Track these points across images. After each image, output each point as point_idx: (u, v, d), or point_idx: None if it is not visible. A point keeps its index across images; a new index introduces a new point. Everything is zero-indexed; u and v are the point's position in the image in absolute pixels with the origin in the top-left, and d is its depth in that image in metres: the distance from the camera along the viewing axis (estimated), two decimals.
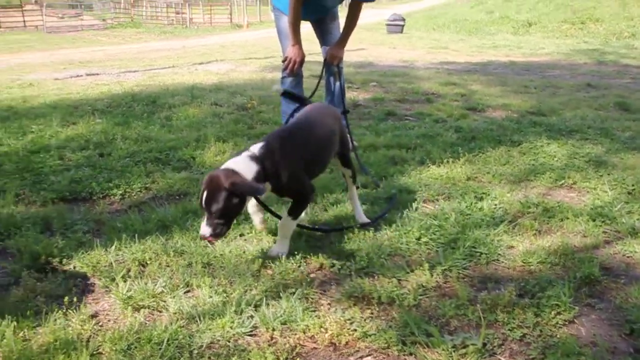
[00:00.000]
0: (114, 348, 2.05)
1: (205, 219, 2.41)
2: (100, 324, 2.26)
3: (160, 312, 2.32)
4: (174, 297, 2.38)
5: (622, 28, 21.29)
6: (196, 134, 5.09)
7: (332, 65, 4.65)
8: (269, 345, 2.09)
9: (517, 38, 21.03)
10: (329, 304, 2.38)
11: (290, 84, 4.70)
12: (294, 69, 4.55)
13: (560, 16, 23.83)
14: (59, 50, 18.42)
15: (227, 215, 2.42)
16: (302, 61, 4.57)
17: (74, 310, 2.31)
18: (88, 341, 2.11)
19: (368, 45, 16.44)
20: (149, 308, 2.33)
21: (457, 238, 2.93)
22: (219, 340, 2.11)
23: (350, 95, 6.97)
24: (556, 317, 2.27)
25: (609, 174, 4.03)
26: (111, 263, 2.71)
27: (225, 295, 2.38)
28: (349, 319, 2.23)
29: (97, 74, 10.21)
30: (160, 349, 2.03)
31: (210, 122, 5.60)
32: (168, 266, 2.63)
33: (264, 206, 2.82)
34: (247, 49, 16.67)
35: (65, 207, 3.47)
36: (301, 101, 3.55)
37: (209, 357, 2.01)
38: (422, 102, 7.01)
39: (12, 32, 29.07)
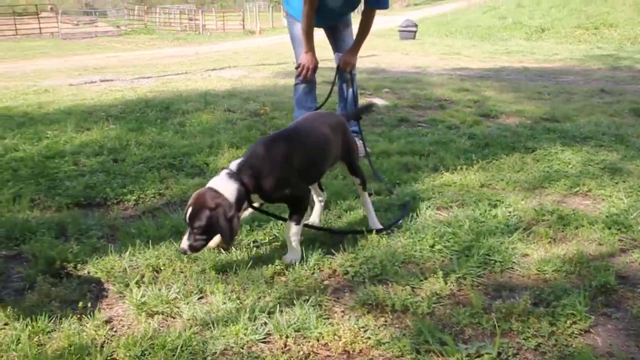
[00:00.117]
0: (128, 354, 2.05)
1: (187, 233, 2.54)
2: (114, 329, 2.27)
3: (174, 318, 2.32)
4: (187, 303, 2.39)
5: (637, 33, 21.12)
6: (209, 140, 5.10)
7: (345, 72, 4.65)
8: (283, 353, 2.08)
9: (530, 44, 20.94)
10: (342, 311, 2.37)
11: (303, 90, 4.71)
12: (307, 75, 4.56)
13: (573, 22, 23.70)
14: (74, 57, 18.59)
15: (208, 232, 2.54)
16: (315, 68, 4.59)
17: (88, 316, 2.32)
18: (102, 347, 2.12)
19: (380, 52, 16.45)
20: (162, 314, 2.34)
21: (471, 246, 2.91)
22: (232, 347, 2.11)
23: (362, 101, 6.96)
24: (572, 326, 2.24)
25: (624, 181, 3.99)
26: (125, 269, 2.72)
27: (238, 301, 2.39)
28: (362, 327, 2.22)
29: (111, 80, 10.29)
30: (174, 355, 2.03)
31: (224, 128, 5.62)
32: (182, 272, 2.64)
33: (264, 212, 2.86)
34: (259, 55, 16.73)
35: (79, 213, 3.49)
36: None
37: None
38: (435, 109, 6.99)
39: (28, 39, 29.40)
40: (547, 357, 2.07)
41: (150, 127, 5.65)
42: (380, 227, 3.14)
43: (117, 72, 12.07)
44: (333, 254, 2.86)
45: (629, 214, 3.36)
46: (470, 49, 18.38)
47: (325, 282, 2.62)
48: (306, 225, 2.97)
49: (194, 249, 2.55)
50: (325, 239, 3.01)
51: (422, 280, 2.59)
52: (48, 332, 2.22)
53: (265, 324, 2.23)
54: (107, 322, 2.31)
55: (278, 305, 2.35)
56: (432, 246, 2.91)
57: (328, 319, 2.30)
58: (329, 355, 2.09)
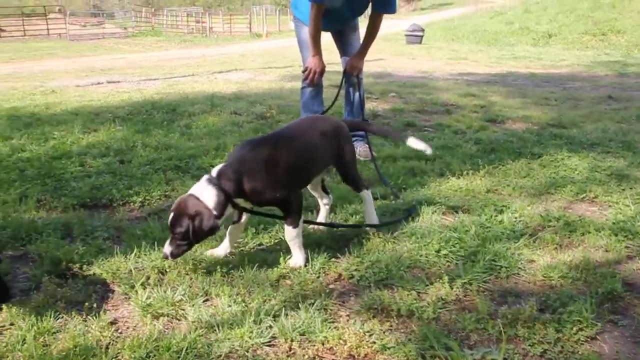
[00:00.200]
0: (133, 355, 2.05)
1: (169, 239, 2.58)
2: (119, 331, 2.27)
3: (179, 320, 2.32)
4: (193, 305, 2.39)
5: None
6: (216, 142, 5.11)
7: (351, 76, 4.66)
8: (288, 356, 2.08)
9: (537, 49, 20.92)
10: (347, 315, 2.37)
11: (310, 94, 4.72)
12: (314, 79, 4.57)
13: (581, 27, 23.65)
14: (81, 58, 18.67)
15: (188, 239, 2.56)
16: (322, 71, 4.59)
17: (94, 317, 2.33)
18: (107, 348, 2.12)
19: (387, 56, 16.46)
20: (168, 316, 2.34)
21: (477, 251, 2.90)
22: (237, 350, 2.11)
23: (369, 105, 6.98)
24: (578, 333, 2.23)
25: (631, 188, 3.97)
26: (131, 270, 2.72)
27: (244, 304, 2.38)
28: (368, 331, 2.21)
29: (118, 82, 10.32)
30: (179, 357, 2.03)
31: (230, 131, 5.63)
32: (187, 274, 2.64)
33: (256, 213, 2.87)
34: (266, 58, 16.75)
35: (85, 214, 3.50)
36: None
37: None
38: (442, 113, 6.98)
39: (36, 40, 29.55)
40: None
41: (157, 129, 5.67)
42: (375, 221, 3.19)
43: (124, 73, 12.10)
44: (338, 258, 2.86)
45: (635, 221, 3.35)
46: (477, 54, 18.38)
47: (331, 286, 2.61)
48: (306, 222, 2.97)
49: (175, 255, 2.59)
50: (331, 243, 3.01)
51: (427, 285, 2.59)
52: (53, 332, 2.22)
53: (271, 327, 2.23)
54: (113, 323, 2.31)
55: (283, 308, 2.34)
56: (438, 251, 2.91)
57: (333, 323, 2.29)
58: (334, 359, 2.09)
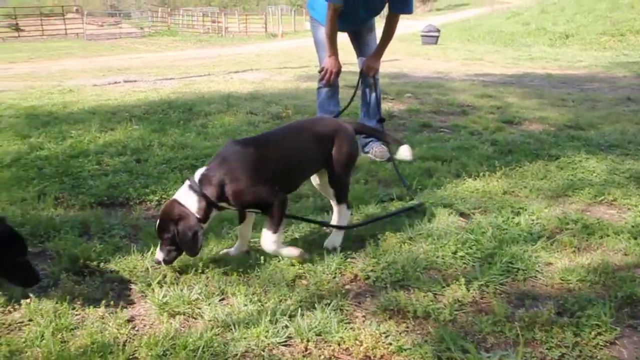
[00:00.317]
0: (150, 353, 2.06)
1: (159, 245, 2.61)
2: (136, 328, 2.28)
3: (196, 319, 2.33)
4: (209, 304, 2.40)
5: None
6: None
7: (368, 77, 4.65)
8: (304, 357, 2.08)
9: (554, 50, 20.76)
10: (363, 316, 2.37)
11: (326, 94, 4.72)
12: (330, 79, 4.57)
13: (599, 28, 23.41)
14: (98, 58, 18.82)
15: (175, 244, 2.58)
16: (338, 72, 4.59)
17: (111, 314, 2.34)
18: (124, 345, 2.14)
19: (403, 56, 16.43)
20: (184, 314, 2.35)
21: (493, 253, 2.88)
22: (253, 349, 2.11)
23: (385, 106, 6.94)
24: (596, 337, 2.21)
25: None
26: (147, 268, 2.74)
27: (260, 304, 2.39)
28: (384, 333, 2.21)
29: (135, 81, 10.39)
30: (195, 356, 2.04)
31: (246, 131, 5.64)
32: (203, 273, 2.64)
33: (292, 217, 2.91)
34: (281, 58, 16.78)
35: (102, 212, 3.53)
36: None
37: None
38: (458, 114, 6.95)
39: (53, 40, 29.84)
40: None
41: (173, 128, 5.69)
42: (334, 247, 2.94)
43: (140, 73, 12.18)
44: (354, 259, 2.86)
45: None
46: (493, 55, 18.28)
47: (347, 287, 2.61)
48: (287, 216, 2.89)
49: (167, 261, 2.62)
50: (347, 243, 3.01)
51: (444, 287, 2.57)
52: (71, 329, 2.24)
53: (287, 327, 2.23)
54: (129, 321, 2.33)
55: (299, 308, 2.34)
56: (455, 253, 2.89)
57: (349, 323, 2.29)
58: None
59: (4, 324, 2.29)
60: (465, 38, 26.77)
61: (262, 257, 2.78)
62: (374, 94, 4.71)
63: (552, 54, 18.85)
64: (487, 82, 10.42)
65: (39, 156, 4.67)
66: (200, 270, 2.67)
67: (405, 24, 26.72)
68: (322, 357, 2.07)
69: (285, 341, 2.17)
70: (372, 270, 2.71)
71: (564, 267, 2.79)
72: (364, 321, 2.32)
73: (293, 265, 2.74)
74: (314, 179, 3.10)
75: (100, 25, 35.89)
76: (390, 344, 2.15)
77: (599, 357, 2.10)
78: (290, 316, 2.30)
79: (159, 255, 2.61)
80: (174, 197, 2.64)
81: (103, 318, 2.32)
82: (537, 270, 2.77)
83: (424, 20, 29.97)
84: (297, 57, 16.56)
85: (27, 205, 3.53)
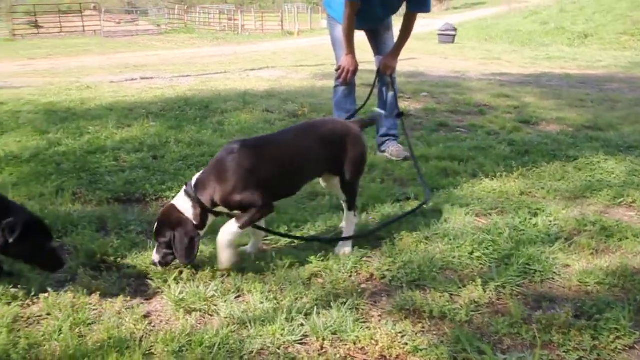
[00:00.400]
0: (166, 349, 2.07)
1: (156, 247, 2.61)
2: (152, 324, 2.30)
3: (212, 315, 2.34)
4: (225, 301, 2.40)
5: None
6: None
7: (385, 75, 4.63)
8: (319, 355, 2.08)
9: (573, 50, 20.56)
10: (379, 315, 2.36)
11: (342, 92, 4.71)
12: (347, 77, 4.56)
13: (619, 27, 23.15)
14: (115, 54, 18.94)
15: (171, 248, 2.57)
16: (355, 70, 4.58)
17: (128, 310, 2.36)
18: (141, 341, 2.15)
19: (419, 55, 16.35)
20: (200, 311, 2.36)
21: (510, 254, 2.86)
22: (269, 347, 2.12)
23: (401, 105, 6.86)
24: (615, 341, 2.18)
25: None
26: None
27: (276, 302, 2.39)
28: (400, 332, 2.20)
29: (151, 78, 10.45)
30: (211, 352, 2.04)
31: (262, 128, 5.65)
32: (220, 270, 2.65)
33: (261, 229, 2.84)
34: (297, 56, 16.79)
35: (119, 208, 3.55)
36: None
37: None
38: (475, 114, 6.90)
39: (71, 37, 30.08)
40: None
41: (190, 125, 5.72)
42: (346, 252, 2.89)
43: (157, 70, 12.25)
44: (370, 258, 2.85)
45: None
46: (510, 54, 18.15)
47: (363, 286, 2.61)
48: (264, 230, 2.88)
49: (163, 263, 2.61)
50: (363, 243, 3.00)
51: (460, 288, 2.56)
52: (89, 324, 2.26)
53: (302, 325, 2.23)
54: (146, 316, 2.34)
55: (315, 307, 2.34)
56: (471, 253, 2.88)
57: (365, 322, 2.29)
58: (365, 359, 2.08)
59: (22, 317, 2.31)
60: (482, 37, 26.60)
61: (277, 256, 2.78)
62: (391, 93, 4.70)
63: (571, 53, 18.67)
64: (505, 82, 10.34)
65: (57, 152, 4.71)
66: (216, 267, 2.68)
67: (422, 23, 26.60)
68: (338, 356, 2.07)
69: (301, 339, 2.17)
70: (388, 270, 2.71)
71: (582, 269, 2.77)
72: (379, 320, 2.32)
73: (310, 263, 2.74)
74: (321, 181, 3.05)
75: (117, 22, 36.12)
76: (406, 344, 2.14)
77: None
78: (306, 314, 2.30)
79: (155, 257, 2.61)
80: (172, 201, 2.64)
81: (120, 313, 2.33)
82: (554, 272, 2.75)
83: (441, 19, 29.80)
84: (313, 55, 16.56)
85: (46, 201, 3.56)
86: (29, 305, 2.41)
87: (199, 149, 4.79)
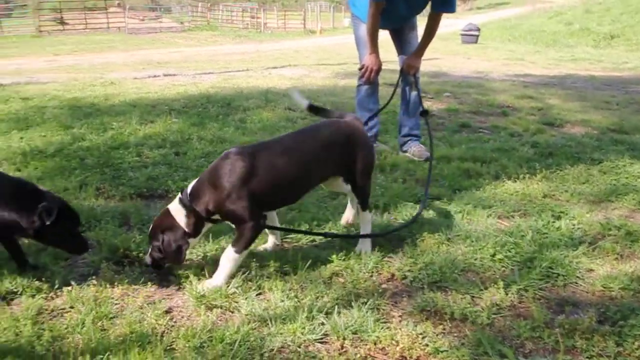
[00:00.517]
0: (187, 345, 2.09)
1: (150, 249, 2.61)
2: (173, 320, 2.31)
3: (233, 312, 2.35)
4: (246, 298, 2.41)
5: None
6: (270, 137, 5.14)
7: (408, 75, 4.61)
8: (340, 354, 2.08)
9: (598, 51, 20.30)
10: (400, 316, 2.35)
11: (365, 91, 4.71)
12: (370, 77, 4.55)
13: None
14: (139, 51, 19.10)
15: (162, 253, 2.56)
16: (378, 70, 4.57)
17: (149, 305, 2.38)
18: (162, 336, 2.17)
19: (442, 55, 16.26)
20: (221, 308, 2.37)
21: (533, 257, 2.83)
22: (289, 345, 2.12)
23: (423, 105, 6.88)
24: None
25: None
26: (185, 261, 2.77)
27: (296, 300, 2.39)
28: (420, 333, 2.19)
29: (174, 75, 10.51)
30: (232, 349, 2.05)
31: (284, 126, 5.65)
32: (241, 267, 2.65)
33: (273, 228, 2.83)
34: (319, 54, 16.79)
35: (142, 203, 3.58)
36: (326, 114, 3.27)
37: None
38: (497, 115, 6.84)
39: (96, 33, 30.37)
40: None
41: (212, 122, 5.75)
42: (365, 252, 2.87)
43: (179, 67, 12.32)
44: (391, 258, 2.84)
45: None
46: (534, 55, 17.96)
47: (384, 286, 2.60)
48: (271, 228, 2.83)
49: (155, 265, 2.61)
50: (384, 243, 2.99)
51: (482, 290, 2.54)
52: (111, 318, 2.29)
53: (323, 324, 2.23)
54: (167, 312, 2.36)
55: (336, 306, 2.34)
56: (493, 255, 2.85)
57: (386, 323, 2.28)
58: None
59: (46, 310, 2.35)
60: (505, 37, 26.37)
61: (298, 254, 2.78)
62: (414, 93, 4.68)
63: (596, 55, 18.43)
64: (528, 83, 10.24)
65: (81, 147, 4.77)
66: (239, 265, 2.68)
67: (445, 23, 26.42)
68: (358, 355, 2.07)
69: (322, 338, 2.17)
70: (409, 270, 2.70)
71: (606, 274, 2.73)
72: (400, 321, 2.31)
73: (331, 262, 2.74)
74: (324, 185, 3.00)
75: (141, 19, 36.46)
76: (427, 345, 2.13)
77: None
78: (326, 313, 2.30)
79: (148, 259, 2.61)
80: (169, 206, 2.61)
81: (142, 308, 2.36)
82: (577, 277, 2.72)
83: (464, 19, 29.60)
84: (335, 54, 16.55)
85: (70, 195, 3.60)
86: (52, 298, 2.44)
87: (221, 146, 4.81)
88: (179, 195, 2.59)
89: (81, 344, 2.10)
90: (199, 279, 2.55)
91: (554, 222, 3.32)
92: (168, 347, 2.09)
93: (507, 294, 2.50)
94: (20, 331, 2.16)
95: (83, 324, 2.21)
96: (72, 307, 2.35)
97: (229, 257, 2.53)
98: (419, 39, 4.63)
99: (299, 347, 2.11)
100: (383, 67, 4.65)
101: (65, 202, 2.59)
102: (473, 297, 2.49)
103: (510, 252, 2.89)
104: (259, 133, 5.34)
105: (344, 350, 2.11)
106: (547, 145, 5.19)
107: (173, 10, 44.83)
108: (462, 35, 23.30)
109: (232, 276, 2.55)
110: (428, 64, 12.54)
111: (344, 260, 2.77)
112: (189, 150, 4.70)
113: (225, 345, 2.07)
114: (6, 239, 2.60)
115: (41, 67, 12.66)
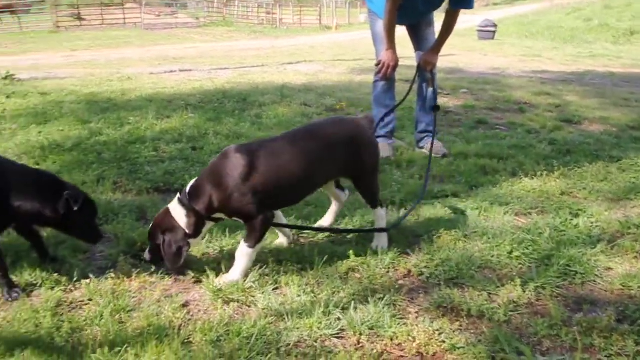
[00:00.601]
0: (205, 338, 2.10)
1: (149, 247, 2.61)
2: (190, 313, 2.33)
3: (249, 307, 2.36)
4: (263, 293, 2.42)
5: None
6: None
7: (425, 71, 4.59)
8: (356, 350, 2.08)
9: (617, 48, 20.05)
10: (416, 312, 2.35)
11: (382, 88, 4.69)
12: (387, 73, 4.53)
13: None
14: (155, 47, 19.20)
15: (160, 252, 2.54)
16: (395, 66, 4.55)
17: (167, 298, 2.40)
18: (179, 329, 2.18)
19: (458, 51, 16.15)
20: (238, 302, 2.38)
21: (551, 255, 2.81)
22: (306, 340, 2.12)
23: (440, 101, 6.78)
24: None
25: None
26: (202, 255, 2.79)
27: (313, 295, 2.40)
28: (437, 330, 2.18)
29: (190, 70, 10.55)
30: (248, 343, 2.06)
31: (300, 122, 5.64)
32: (258, 262, 2.66)
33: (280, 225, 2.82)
34: (335, 50, 16.76)
35: (159, 198, 3.60)
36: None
37: (296, 356, 2.03)
38: (514, 112, 6.79)
39: (112, 29, 30.55)
40: None
41: (228, 118, 5.76)
42: (384, 246, 2.87)
43: (195, 62, 12.36)
44: (408, 254, 2.83)
45: None
46: (551, 52, 17.80)
47: (400, 282, 2.59)
48: (279, 225, 2.83)
49: (154, 262, 2.60)
50: (400, 239, 2.99)
51: (498, 287, 2.53)
52: (129, 310, 2.31)
53: (339, 319, 2.23)
54: (184, 305, 2.37)
55: (352, 301, 2.34)
56: (510, 252, 2.84)
57: (402, 319, 2.28)
58: (402, 356, 2.07)
59: (65, 302, 2.37)
60: (523, 34, 26.13)
61: (315, 250, 2.78)
62: (430, 89, 4.65)
63: (615, 51, 18.22)
64: (546, 80, 10.15)
65: (98, 141, 4.80)
66: (254, 259, 2.69)
67: (462, 19, 26.15)
68: (375, 351, 2.07)
69: (338, 333, 2.17)
70: (425, 267, 2.69)
71: (625, 272, 2.70)
72: (416, 317, 2.30)
73: (347, 257, 2.74)
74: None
75: (157, 15, 36.57)
76: (444, 341, 2.12)
77: None
78: (343, 309, 2.30)
79: (147, 256, 2.60)
80: (169, 205, 2.58)
81: (159, 301, 2.37)
82: (596, 275, 2.69)
83: (481, 15, 29.36)
84: (351, 50, 16.51)
85: (87, 189, 3.62)
86: (71, 291, 2.47)
87: (237, 141, 4.80)
88: (178, 195, 2.55)
89: (100, 336, 2.12)
90: (216, 274, 2.56)
91: (571, 219, 3.29)
92: (185, 341, 2.10)
93: (524, 292, 2.48)
94: (40, 323, 2.19)
95: (101, 317, 2.23)
96: (90, 300, 2.38)
97: (243, 252, 2.53)
98: (436, 35, 4.60)
99: (316, 341, 2.11)
100: (400, 63, 4.62)
101: (87, 196, 2.64)
102: (490, 294, 2.48)
103: (527, 249, 2.86)
104: (274, 128, 5.35)
105: (360, 345, 2.11)
106: (564, 142, 5.14)
107: (189, 6, 44.99)
108: (479, 31, 23.12)
109: (249, 271, 2.56)
110: (444, 60, 12.44)
111: (360, 256, 2.76)
112: (205, 145, 4.72)
113: (242, 339, 2.08)
114: (28, 229, 2.66)
115: (59, 63, 12.77)
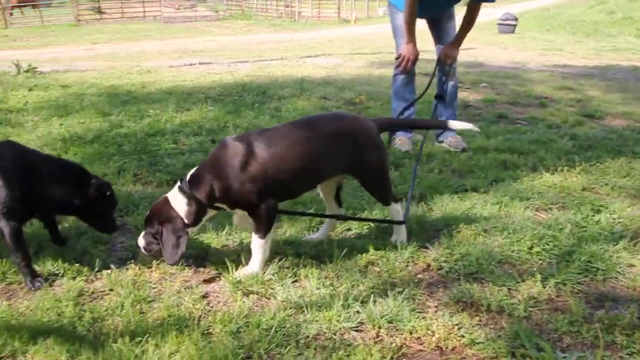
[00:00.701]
0: (224, 330, 2.12)
1: (144, 232, 2.58)
2: (210, 304, 2.35)
3: (269, 299, 2.37)
4: (282, 285, 2.43)
5: None
6: None
7: (445, 65, 4.56)
8: (375, 343, 2.08)
9: None
10: (436, 306, 2.34)
11: (402, 81, 4.67)
12: (407, 66, 4.51)
13: None
14: (174, 40, 19.26)
15: (158, 239, 2.53)
16: (415, 59, 4.53)
17: (186, 289, 2.42)
18: (199, 320, 2.20)
19: (478, 45, 15.99)
20: (257, 294, 2.39)
21: (572, 251, 2.78)
22: (325, 333, 2.13)
23: (460, 95, 6.75)
24: None
25: None
26: (222, 247, 2.80)
27: (332, 288, 2.40)
28: (456, 324, 2.18)
29: (209, 63, 10.57)
30: (268, 335, 2.07)
31: None
32: (277, 254, 2.67)
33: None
34: (354, 44, 16.67)
35: None
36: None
37: (315, 348, 2.03)
38: (535, 106, 6.72)
39: (132, 22, 30.71)
40: None
41: (247, 111, 5.77)
42: (403, 240, 2.86)
43: (214, 55, 12.38)
44: (427, 248, 2.83)
45: None
46: (573, 45, 17.55)
47: (419, 276, 2.59)
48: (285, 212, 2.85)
49: (148, 250, 2.57)
50: (420, 233, 2.98)
51: (518, 282, 2.51)
52: (149, 301, 2.33)
53: (358, 312, 2.24)
54: (204, 297, 2.39)
55: (371, 295, 2.34)
56: (530, 248, 2.82)
57: (421, 313, 2.27)
58: (421, 350, 2.07)
59: (87, 292, 2.41)
60: (544, 27, 25.79)
61: (334, 243, 2.79)
62: (450, 82, 4.62)
63: (639, 45, 17.91)
64: (567, 74, 10.01)
65: (118, 133, 4.84)
66: (273, 251, 2.70)
67: (482, 12, 25.73)
68: (394, 344, 2.07)
69: (357, 326, 2.18)
70: (445, 261, 2.68)
71: None
72: (436, 312, 2.30)
73: (366, 251, 2.74)
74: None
75: (176, 8, 36.70)
76: (463, 336, 2.12)
77: None
78: (362, 302, 2.30)
79: (141, 242, 2.56)
80: (167, 194, 2.56)
81: (179, 292, 2.39)
82: (618, 272, 2.66)
83: (501, 8, 28.97)
84: (370, 43, 16.42)
85: (108, 180, 3.65)
86: (92, 281, 2.50)
87: None
88: (177, 185, 2.53)
89: (120, 326, 2.15)
90: (236, 265, 2.57)
91: (593, 215, 3.26)
92: (205, 332, 2.12)
93: (544, 287, 2.47)
94: (62, 312, 2.22)
95: (122, 307, 2.26)
96: (111, 290, 2.41)
97: (256, 245, 2.53)
98: (457, 29, 4.57)
99: (335, 334, 2.12)
100: (420, 56, 4.60)
101: (112, 189, 2.73)
102: (510, 289, 2.46)
103: (548, 245, 2.84)
104: None
105: (379, 338, 2.11)
106: (586, 137, 5.08)
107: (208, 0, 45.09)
108: (499, 25, 22.83)
109: (267, 263, 2.57)
110: (464, 54, 12.31)
111: (379, 249, 2.76)
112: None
113: (261, 331, 2.09)
114: (51, 217, 2.76)
115: (79, 56, 12.87)
